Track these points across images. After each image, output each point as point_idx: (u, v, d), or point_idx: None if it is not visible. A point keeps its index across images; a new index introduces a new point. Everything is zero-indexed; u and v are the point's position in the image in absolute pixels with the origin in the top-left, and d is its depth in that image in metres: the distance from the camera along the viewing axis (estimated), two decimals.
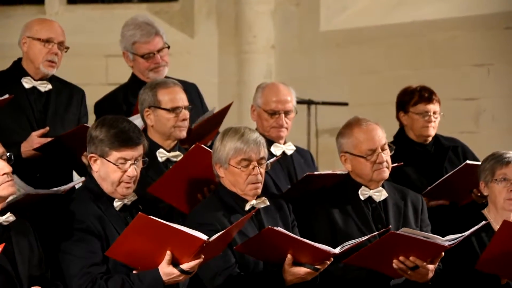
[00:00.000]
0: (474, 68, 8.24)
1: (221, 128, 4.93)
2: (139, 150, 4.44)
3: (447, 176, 5.50)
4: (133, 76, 5.85)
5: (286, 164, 5.62)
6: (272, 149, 5.54)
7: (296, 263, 4.51)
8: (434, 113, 5.84)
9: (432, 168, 5.78)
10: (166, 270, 4.18)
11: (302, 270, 4.51)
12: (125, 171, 4.40)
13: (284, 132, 5.58)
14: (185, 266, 4.17)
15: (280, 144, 5.60)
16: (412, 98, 5.86)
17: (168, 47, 5.82)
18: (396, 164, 5.40)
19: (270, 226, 4.42)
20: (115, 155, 4.41)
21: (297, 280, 4.54)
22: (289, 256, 4.49)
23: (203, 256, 4.18)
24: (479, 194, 5.56)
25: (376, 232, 4.63)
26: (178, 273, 4.18)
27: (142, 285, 4.17)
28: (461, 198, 5.62)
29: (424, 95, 5.86)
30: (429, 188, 5.54)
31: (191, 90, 5.90)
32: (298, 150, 5.70)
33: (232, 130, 4.74)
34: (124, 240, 4.18)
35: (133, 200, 4.48)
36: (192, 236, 4.12)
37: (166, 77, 5.76)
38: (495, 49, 8.18)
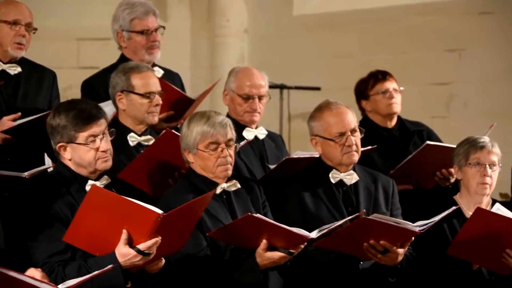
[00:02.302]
0: (446, 53, 8.27)
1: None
2: (103, 124, 4.42)
3: (409, 158, 5.54)
4: (123, 58, 5.83)
5: (258, 148, 5.62)
6: (244, 133, 5.54)
7: (270, 247, 4.51)
8: (394, 89, 5.93)
9: (397, 153, 5.83)
10: (122, 250, 4.13)
11: (276, 254, 4.51)
12: (97, 148, 4.38)
13: (257, 117, 5.58)
14: (141, 246, 4.12)
15: (252, 128, 5.60)
16: (368, 83, 5.99)
17: (164, 28, 5.87)
18: (369, 148, 5.42)
19: (249, 213, 4.41)
20: (82, 135, 4.38)
21: (270, 264, 4.55)
22: (264, 241, 4.49)
23: (160, 237, 4.13)
24: (442, 177, 5.60)
25: (350, 217, 4.63)
26: (135, 253, 4.12)
27: (98, 268, 4.10)
28: (425, 182, 5.66)
29: (378, 76, 6.00)
30: (391, 171, 5.57)
31: (175, 79, 5.95)
32: (269, 134, 5.71)
33: (198, 115, 4.73)
34: (81, 219, 4.14)
35: (106, 184, 4.45)
36: (146, 209, 4.08)
37: (154, 64, 5.81)
38: (468, 34, 8.22)
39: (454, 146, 5.40)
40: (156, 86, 5.25)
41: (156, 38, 5.80)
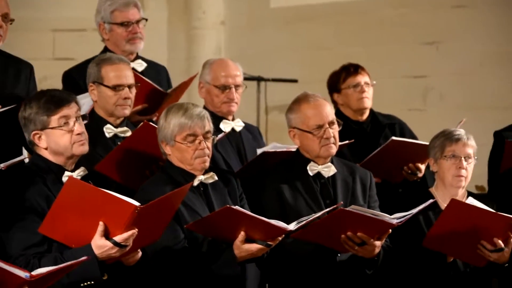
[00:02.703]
0: (423, 45, 8.30)
1: None
2: (75, 107, 4.40)
3: (375, 153, 5.55)
4: (106, 50, 5.82)
5: (236, 140, 5.62)
6: (221, 125, 5.53)
7: (247, 239, 4.50)
8: (366, 83, 5.93)
9: (367, 147, 5.84)
10: (98, 242, 4.11)
11: (254, 246, 4.50)
12: (71, 131, 4.36)
13: (234, 107, 5.57)
14: (118, 238, 4.10)
15: (229, 120, 5.59)
16: (340, 77, 6.00)
17: (146, 20, 5.85)
18: (346, 142, 5.43)
19: (228, 205, 4.41)
20: (54, 119, 4.35)
21: (248, 256, 4.54)
22: (242, 233, 4.48)
23: (136, 229, 4.11)
24: (409, 171, 5.62)
25: (328, 209, 4.64)
26: (111, 245, 4.10)
27: (75, 261, 4.06)
28: (392, 176, 5.68)
29: (350, 69, 6.00)
30: (357, 165, 5.58)
31: (161, 72, 5.96)
32: (246, 126, 5.70)
33: (176, 107, 4.72)
34: (57, 211, 4.12)
35: (83, 175, 4.42)
36: (123, 201, 4.06)
37: (137, 56, 5.82)
38: (444, 27, 8.25)
39: (421, 142, 5.45)
40: (126, 79, 5.21)
41: (136, 30, 5.78)
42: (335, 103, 6.04)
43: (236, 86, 5.56)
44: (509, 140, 5.85)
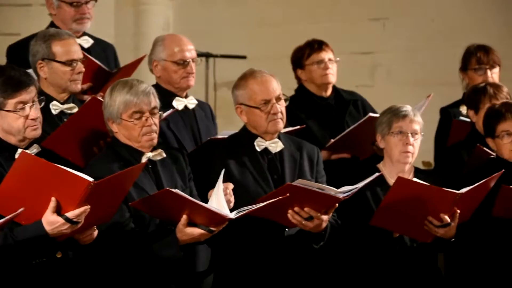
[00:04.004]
0: (370, 22, 8.33)
1: None
2: (33, 91, 4.36)
3: (350, 129, 5.58)
4: (52, 25, 5.76)
5: (189, 118, 5.57)
6: (174, 103, 5.49)
7: (191, 223, 4.48)
8: (329, 60, 5.95)
9: (334, 122, 5.87)
10: (50, 218, 4.09)
11: (196, 231, 4.48)
12: (27, 116, 4.32)
13: (193, 81, 5.53)
14: (70, 214, 4.08)
15: (182, 98, 5.55)
16: (304, 53, 5.99)
17: (96, 1, 5.80)
18: (298, 127, 5.45)
19: (167, 188, 4.38)
20: (11, 102, 4.31)
21: (190, 241, 4.52)
22: (184, 216, 4.46)
23: (88, 206, 4.10)
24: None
25: (274, 200, 4.58)
26: (63, 221, 4.08)
27: (24, 237, 4.08)
28: (362, 151, 5.71)
29: (314, 45, 6.00)
30: (332, 141, 5.62)
31: (108, 50, 5.93)
32: (199, 103, 5.67)
33: (120, 84, 4.67)
34: (7, 186, 4.08)
35: (37, 153, 4.38)
36: (77, 177, 4.04)
37: (84, 33, 5.78)
38: (391, 3, 8.29)
39: None
40: (78, 54, 5.17)
41: (85, 11, 5.75)
42: (298, 79, 6.05)
43: (193, 59, 5.53)
44: (456, 119, 5.92)
